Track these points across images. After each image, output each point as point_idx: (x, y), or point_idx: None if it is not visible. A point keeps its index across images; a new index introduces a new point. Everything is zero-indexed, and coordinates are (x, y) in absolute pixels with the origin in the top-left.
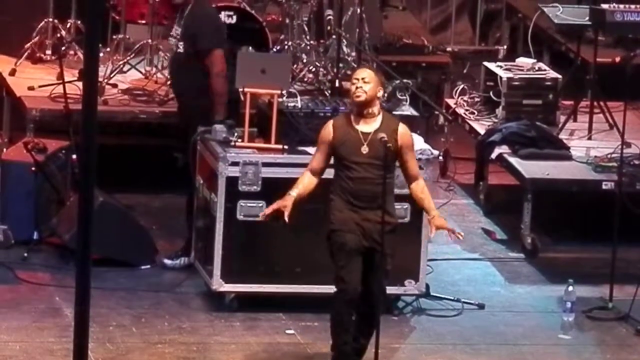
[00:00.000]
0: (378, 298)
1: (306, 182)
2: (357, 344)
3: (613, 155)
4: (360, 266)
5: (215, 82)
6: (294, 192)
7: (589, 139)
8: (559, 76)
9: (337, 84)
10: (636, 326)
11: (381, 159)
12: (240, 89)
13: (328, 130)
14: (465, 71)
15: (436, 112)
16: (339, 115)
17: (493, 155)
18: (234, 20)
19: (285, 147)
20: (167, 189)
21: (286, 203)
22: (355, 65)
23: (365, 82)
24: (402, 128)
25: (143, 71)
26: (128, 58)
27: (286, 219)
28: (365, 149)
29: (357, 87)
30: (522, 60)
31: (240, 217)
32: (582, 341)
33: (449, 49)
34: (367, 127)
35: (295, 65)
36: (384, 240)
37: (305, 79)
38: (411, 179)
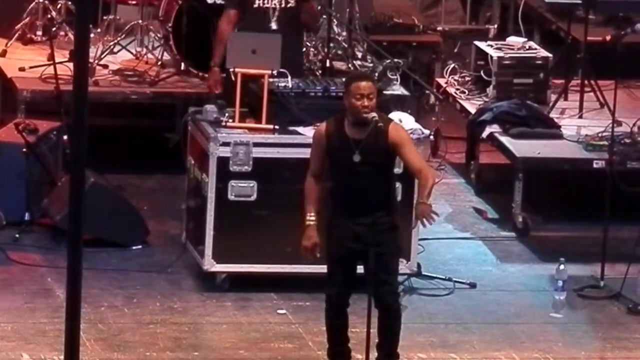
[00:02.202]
0: (385, 297)
1: (316, 194)
2: (380, 355)
3: (604, 134)
4: (345, 274)
5: None
6: (312, 218)
7: (580, 117)
8: (550, 55)
9: (327, 64)
10: (628, 305)
11: (374, 165)
12: (231, 70)
13: (321, 136)
14: (456, 50)
15: (427, 92)
16: (332, 120)
17: (484, 135)
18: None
19: (276, 127)
20: (158, 169)
21: (314, 240)
22: (345, 45)
23: (371, 99)
24: (392, 126)
25: (134, 52)
26: (119, 39)
27: (317, 254)
28: (357, 157)
29: (364, 106)
30: (512, 39)
31: (231, 197)
32: (574, 320)
33: (439, 28)
34: (359, 133)
35: None
36: (384, 240)
37: None
38: (415, 173)
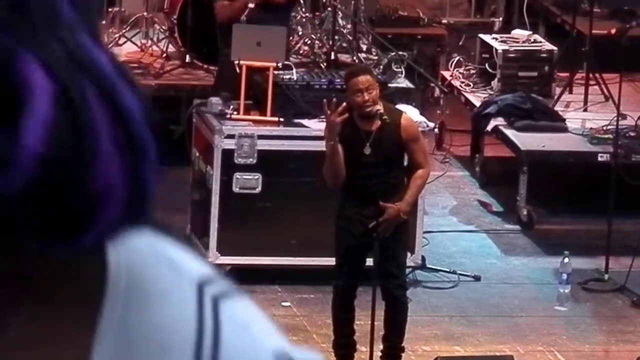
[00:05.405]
0: (393, 290)
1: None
2: (385, 347)
3: (609, 127)
4: (353, 266)
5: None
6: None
7: (585, 110)
8: (555, 48)
9: (332, 57)
10: (632, 298)
11: (385, 157)
12: (236, 62)
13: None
14: (460, 43)
15: (432, 85)
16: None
17: (489, 127)
18: None
19: (281, 119)
20: (163, 161)
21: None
22: (350, 38)
23: (370, 92)
24: (405, 120)
25: (139, 44)
26: (124, 31)
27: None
28: (367, 150)
29: (365, 100)
30: (517, 32)
31: (236, 189)
32: (578, 313)
33: (444, 21)
34: (369, 124)
35: (290, 38)
36: (393, 232)
37: (301, 52)
38: (413, 168)
